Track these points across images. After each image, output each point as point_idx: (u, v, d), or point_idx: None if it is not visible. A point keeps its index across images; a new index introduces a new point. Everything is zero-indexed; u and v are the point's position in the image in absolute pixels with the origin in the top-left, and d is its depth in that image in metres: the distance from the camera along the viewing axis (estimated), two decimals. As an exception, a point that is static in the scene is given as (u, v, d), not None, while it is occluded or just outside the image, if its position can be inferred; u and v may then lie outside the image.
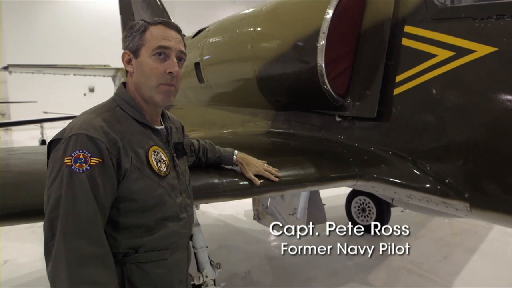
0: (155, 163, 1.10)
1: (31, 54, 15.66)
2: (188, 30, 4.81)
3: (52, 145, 1.04)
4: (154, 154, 1.11)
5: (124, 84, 1.19)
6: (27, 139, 12.49)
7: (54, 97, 16.32)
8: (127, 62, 1.15)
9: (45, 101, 14.96)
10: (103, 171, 0.98)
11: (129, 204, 1.04)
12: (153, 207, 1.08)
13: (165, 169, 1.13)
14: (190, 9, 20.08)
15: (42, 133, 11.07)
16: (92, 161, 0.96)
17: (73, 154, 0.96)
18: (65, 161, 0.96)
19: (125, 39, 1.15)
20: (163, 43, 1.11)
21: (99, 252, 0.95)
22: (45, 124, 11.05)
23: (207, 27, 3.71)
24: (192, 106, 4.09)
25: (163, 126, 1.23)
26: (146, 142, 1.11)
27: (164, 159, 1.15)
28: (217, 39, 3.31)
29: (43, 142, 10.67)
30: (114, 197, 1.02)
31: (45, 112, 12.15)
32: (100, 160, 0.97)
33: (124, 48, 1.15)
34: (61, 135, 1.03)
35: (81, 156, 0.96)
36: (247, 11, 3.14)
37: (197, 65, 3.56)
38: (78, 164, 0.95)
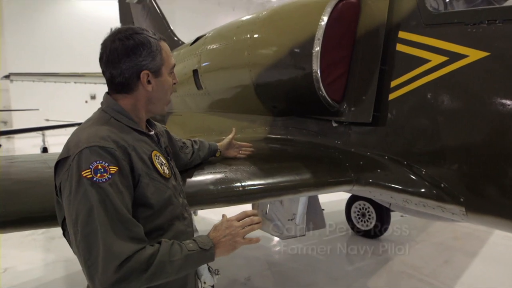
0: (159, 166, 1.13)
1: (32, 62, 15.78)
2: (188, 37, 4.86)
3: (59, 165, 1.03)
4: (156, 158, 1.14)
5: (108, 94, 1.19)
6: (29, 147, 12.53)
7: (56, 105, 16.40)
8: (147, 82, 1.15)
9: (47, 108, 15.05)
10: (122, 178, 0.99)
11: (146, 210, 1.06)
12: (165, 209, 1.11)
13: (167, 171, 1.17)
14: (190, 15, 20.23)
15: (43, 141, 11.12)
16: (111, 169, 0.97)
17: (91, 166, 0.95)
18: (84, 174, 0.95)
19: (140, 57, 1.11)
20: (174, 61, 1.23)
21: (144, 245, 0.98)
22: (47, 132, 11.10)
23: (205, 34, 3.75)
24: (191, 112, 4.12)
25: (153, 132, 1.27)
26: (146, 147, 1.14)
27: (164, 162, 1.19)
28: (214, 46, 3.34)
29: (44, 149, 10.71)
30: (132, 201, 1.03)
31: (47, 120, 12.21)
32: (117, 168, 0.99)
33: (141, 67, 1.12)
34: (66, 153, 1.02)
35: (99, 167, 0.96)
36: (244, 18, 3.17)
37: (195, 72, 3.59)
38: (99, 175, 0.95)
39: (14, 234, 4.18)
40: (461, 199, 1.80)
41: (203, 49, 3.50)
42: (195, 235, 2.38)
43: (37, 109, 13.72)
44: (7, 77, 10.99)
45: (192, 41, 4.08)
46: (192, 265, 1.08)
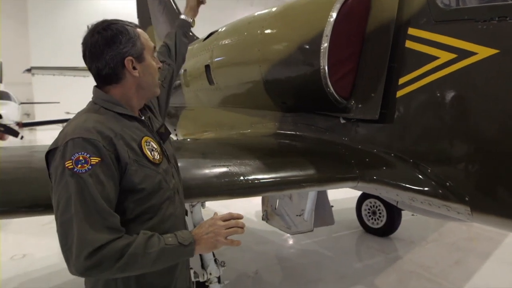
0: (149, 152, 1.16)
1: (53, 57, 16.19)
2: (205, 31, 4.89)
3: (49, 156, 1.07)
4: (147, 144, 1.17)
5: (97, 87, 1.22)
6: (50, 138, 12.79)
7: (76, 98, 16.77)
8: (133, 68, 1.17)
9: (68, 101, 15.43)
10: (104, 168, 1.02)
11: (136, 194, 1.10)
12: (155, 194, 1.15)
13: (158, 156, 1.20)
14: (207, 11, 20.24)
15: (63, 133, 11.40)
16: (92, 160, 1.00)
17: (72, 158, 0.99)
18: (66, 165, 0.99)
19: (121, 44, 1.14)
20: (153, 44, 1.24)
21: (119, 235, 1.02)
22: (67, 124, 11.38)
23: (218, 30, 3.78)
24: (203, 107, 4.17)
25: (143, 117, 1.28)
26: (137, 134, 1.16)
27: (155, 147, 1.21)
28: (226, 42, 3.37)
29: (64, 141, 11.00)
30: (118, 190, 1.06)
31: (67, 113, 12.53)
32: (99, 159, 1.01)
33: (123, 54, 1.14)
34: (55, 144, 1.06)
35: (80, 158, 0.99)
36: (255, 14, 3.19)
37: (207, 67, 3.63)
38: (79, 165, 0.99)
39: (33, 223, 4.34)
40: (467, 199, 1.79)
41: (215, 44, 3.53)
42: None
43: (58, 102, 14.11)
44: (28, 70, 11.36)
45: (205, 37, 4.12)
46: (169, 258, 1.10)
